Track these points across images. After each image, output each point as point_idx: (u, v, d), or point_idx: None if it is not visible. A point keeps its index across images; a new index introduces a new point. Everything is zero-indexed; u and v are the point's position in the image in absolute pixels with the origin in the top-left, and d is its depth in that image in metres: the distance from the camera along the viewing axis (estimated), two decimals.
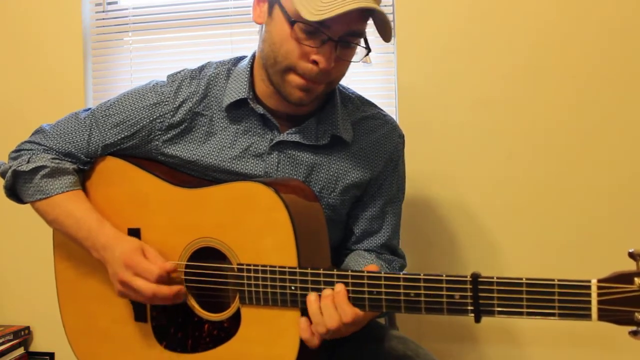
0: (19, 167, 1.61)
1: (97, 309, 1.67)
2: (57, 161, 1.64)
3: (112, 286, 1.56)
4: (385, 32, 1.46)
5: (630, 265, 1.11)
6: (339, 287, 1.31)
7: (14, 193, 1.68)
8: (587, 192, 2.23)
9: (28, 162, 1.62)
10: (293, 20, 1.42)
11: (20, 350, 2.63)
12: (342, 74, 1.55)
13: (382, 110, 1.75)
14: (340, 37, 1.44)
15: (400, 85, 2.37)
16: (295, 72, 1.47)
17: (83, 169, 1.69)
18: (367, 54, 1.52)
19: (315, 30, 1.41)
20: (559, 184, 2.25)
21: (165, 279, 1.48)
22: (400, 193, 1.76)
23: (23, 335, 2.64)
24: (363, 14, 1.43)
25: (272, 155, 1.60)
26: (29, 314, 2.69)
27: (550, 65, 2.25)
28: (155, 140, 1.64)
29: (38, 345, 2.70)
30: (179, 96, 1.63)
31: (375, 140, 1.68)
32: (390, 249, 1.74)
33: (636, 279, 1.09)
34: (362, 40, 1.50)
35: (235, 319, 1.46)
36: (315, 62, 1.44)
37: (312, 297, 1.34)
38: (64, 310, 1.74)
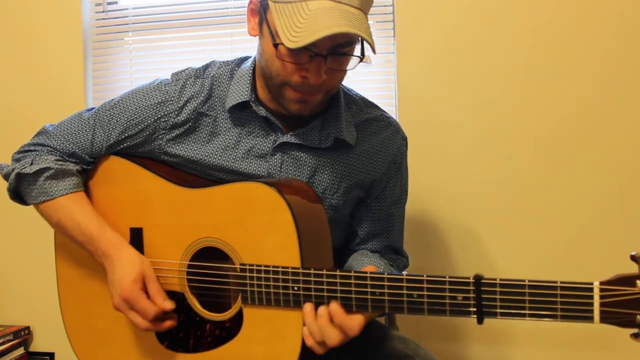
0: (23, 170, 1.61)
1: (98, 309, 1.66)
2: (60, 162, 1.63)
3: None
4: (371, 45, 1.41)
5: (632, 268, 1.12)
6: (335, 307, 1.32)
7: (18, 195, 1.68)
8: (588, 192, 2.24)
9: (32, 164, 1.61)
10: (275, 43, 1.41)
11: (20, 350, 2.64)
12: (339, 82, 1.55)
13: (385, 112, 1.74)
14: (329, 49, 1.42)
15: (400, 85, 2.37)
16: (290, 86, 1.47)
17: (86, 169, 1.68)
18: (361, 61, 1.50)
19: (300, 48, 1.38)
20: (560, 184, 2.26)
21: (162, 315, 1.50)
22: (403, 195, 1.76)
23: (23, 335, 2.65)
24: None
25: (275, 156, 1.60)
26: (29, 314, 2.70)
27: (551, 65, 2.25)
28: (159, 140, 1.64)
29: (38, 345, 2.70)
30: (183, 95, 1.62)
31: (379, 143, 1.68)
32: (394, 250, 1.75)
33: (638, 282, 1.09)
34: (356, 46, 1.48)
35: (237, 319, 1.46)
36: (305, 78, 1.44)
37: (308, 318, 1.36)
38: (65, 311, 1.73)
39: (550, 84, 2.26)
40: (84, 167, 1.68)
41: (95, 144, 1.66)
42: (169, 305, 1.49)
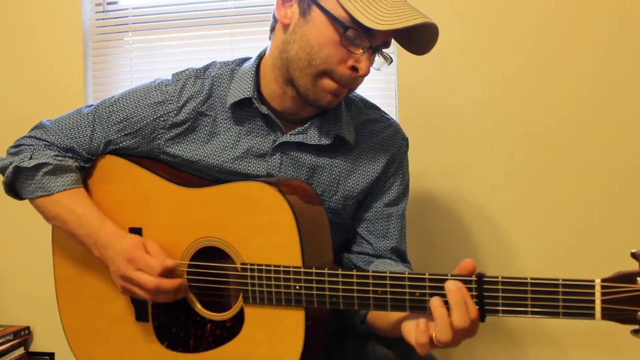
0: (21, 164, 1.60)
1: (97, 308, 1.67)
2: (59, 158, 1.63)
3: (113, 285, 1.57)
4: (428, 46, 1.51)
5: (633, 265, 1.12)
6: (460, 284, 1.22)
7: (13, 189, 1.67)
8: (589, 191, 2.24)
9: (30, 158, 1.61)
10: (347, 25, 1.42)
11: (20, 350, 2.63)
12: (362, 81, 1.56)
13: (385, 113, 1.75)
14: (377, 46, 1.47)
15: (400, 85, 2.37)
16: (330, 76, 1.48)
17: (84, 167, 1.68)
18: (390, 63, 1.57)
19: (359, 38, 1.43)
20: (560, 183, 2.26)
21: (167, 273, 1.49)
22: (403, 196, 1.74)
23: (23, 335, 2.64)
24: None
25: (274, 157, 1.61)
26: (29, 314, 2.69)
27: (552, 65, 2.25)
28: (157, 139, 1.64)
29: (38, 345, 2.69)
30: (183, 95, 1.62)
31: (378, 143, 1.68)
32: (399, 254, 1.72)
33: (639, 279, 1.10)
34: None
35: (238, 319, 1.46)
36: (354, 69, 1.46)
37: (436, 302, 1.24)
38: (62, 310, 1.73)
39: (551, 83, 2.26)
40: (82, 164, 1.67)
41: (94, 140, 1.66)
42: (170, 262, 1.49)
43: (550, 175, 2.28)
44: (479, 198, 2.33)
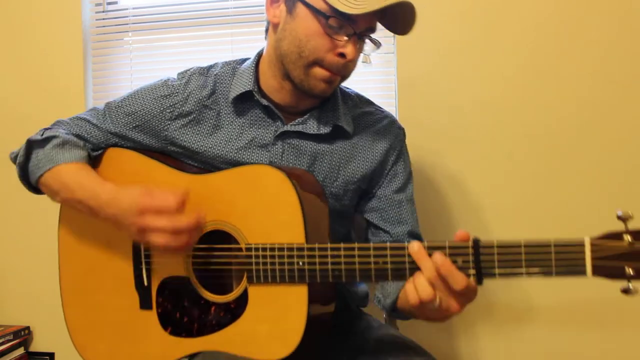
0: (33, 137, 1.65)
1: (100, 298, 1.67)
2: (70, 136, 1.68)
3: (116, 276, 1.60)
4: (409, 24, 1.55)
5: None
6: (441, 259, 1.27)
7: (26, 174, 1.68)
8: (589, 191, 2.24)
9: (42, 134, 1.66)
10: (327, 15, 1.49)
11: (20, 350, 2.63)
12: (354, 67, 1.63)
13: (380, 107, 1.82)
14: (361, 32, 1.54)
15: (401, 84, 2.38)
16: (321, 65, 1.55)
17: (92, 156, 1.72)
18: (378, 47, 1.61)
19: (342, 26, 1.51)
20: (560, 183, 2.26)
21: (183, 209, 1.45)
22: (409, 181, 1.78)
23: (23, 335, 2.64)
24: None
25: (276, 146, 1.66)
26: (29, 314, 2.69)
27: (551, 65, 2.26)
28: (165, 131, 1.69)
29: (38, 345, 2.69)
30: (188, 88, 1.70)
31: (376, 132, 1.74)
32: (416, 237, 1.75)
33: (625, 236, 1.18)
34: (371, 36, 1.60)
35: (242, 300, 1.48)
36: (341, 55, 1.53)
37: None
38: (65, 300, 1.73)
39: (551, 83, 2.26)
40: (90, 152, 1.71)
41: (102, 130, 1.72)
42: (181, 193, 1.45)
43: (550, 175, 2.28)
44: (478, 197, 2.34)
